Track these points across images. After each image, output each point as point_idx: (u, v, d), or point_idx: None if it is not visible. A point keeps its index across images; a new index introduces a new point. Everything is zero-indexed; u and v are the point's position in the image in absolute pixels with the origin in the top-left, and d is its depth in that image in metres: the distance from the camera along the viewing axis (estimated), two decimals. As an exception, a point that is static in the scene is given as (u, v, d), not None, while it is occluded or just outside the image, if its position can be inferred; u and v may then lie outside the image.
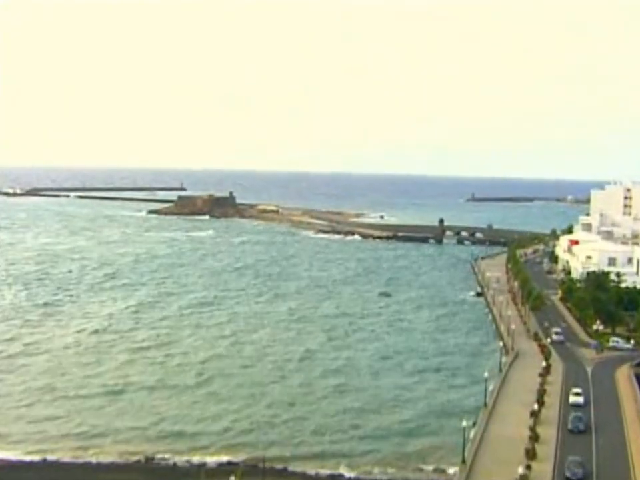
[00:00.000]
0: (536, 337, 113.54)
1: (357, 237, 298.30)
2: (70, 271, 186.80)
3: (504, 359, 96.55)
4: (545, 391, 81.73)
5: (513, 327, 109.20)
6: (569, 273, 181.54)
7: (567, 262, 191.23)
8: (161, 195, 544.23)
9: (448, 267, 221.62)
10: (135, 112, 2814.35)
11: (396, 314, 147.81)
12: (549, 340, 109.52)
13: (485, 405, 76.07)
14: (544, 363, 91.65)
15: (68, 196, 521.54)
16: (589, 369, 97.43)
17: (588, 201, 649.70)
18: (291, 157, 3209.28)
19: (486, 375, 78.73)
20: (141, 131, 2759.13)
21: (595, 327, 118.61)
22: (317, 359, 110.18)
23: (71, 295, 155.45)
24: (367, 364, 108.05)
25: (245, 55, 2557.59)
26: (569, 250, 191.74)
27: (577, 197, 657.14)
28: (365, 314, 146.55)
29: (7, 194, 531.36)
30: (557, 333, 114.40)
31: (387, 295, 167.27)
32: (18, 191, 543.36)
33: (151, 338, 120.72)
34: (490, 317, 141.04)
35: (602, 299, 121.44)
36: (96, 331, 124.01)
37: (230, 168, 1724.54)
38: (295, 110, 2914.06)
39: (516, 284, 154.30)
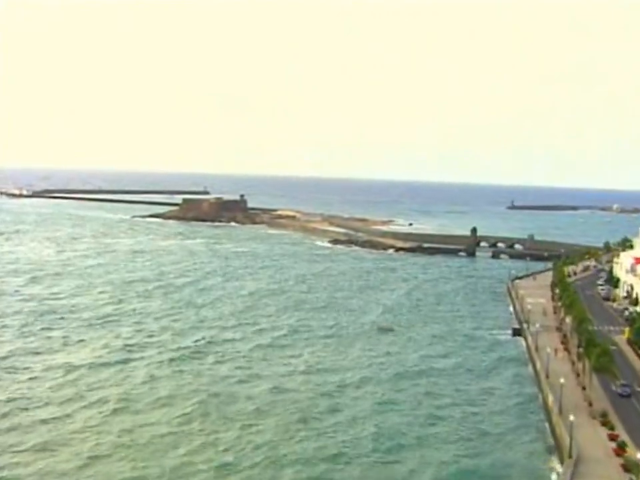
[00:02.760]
0: (604, 419, 72.13)
1: (374, 249, 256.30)
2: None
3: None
4: None
5: (571, 418, 62.45)
6: (635, 302, 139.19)
7: (632, 286, 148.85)
8: (178, 198, 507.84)
9: (479, 288, 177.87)
10: (149, 115, 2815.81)
11: (390, 383, 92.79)
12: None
13: None
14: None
15: (74, 198, 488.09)
16: None
17: (635, 211, 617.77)
18: (311, 161, 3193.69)
19: None
20: (165, 136, 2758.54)
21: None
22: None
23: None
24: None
25: (244, 56, 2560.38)
26: (633, 270, 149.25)
27: (622, 206, 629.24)
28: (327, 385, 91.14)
29: (14, 195, 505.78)
30: None
31: (388, 330, 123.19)
32: (24, 192, 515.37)
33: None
34: (532, 370, 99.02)
35: None
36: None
37: (256, 173, 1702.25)
38: (302, 112, 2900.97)
39: (568, 320, 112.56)
